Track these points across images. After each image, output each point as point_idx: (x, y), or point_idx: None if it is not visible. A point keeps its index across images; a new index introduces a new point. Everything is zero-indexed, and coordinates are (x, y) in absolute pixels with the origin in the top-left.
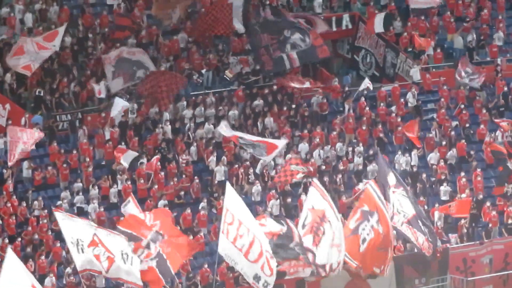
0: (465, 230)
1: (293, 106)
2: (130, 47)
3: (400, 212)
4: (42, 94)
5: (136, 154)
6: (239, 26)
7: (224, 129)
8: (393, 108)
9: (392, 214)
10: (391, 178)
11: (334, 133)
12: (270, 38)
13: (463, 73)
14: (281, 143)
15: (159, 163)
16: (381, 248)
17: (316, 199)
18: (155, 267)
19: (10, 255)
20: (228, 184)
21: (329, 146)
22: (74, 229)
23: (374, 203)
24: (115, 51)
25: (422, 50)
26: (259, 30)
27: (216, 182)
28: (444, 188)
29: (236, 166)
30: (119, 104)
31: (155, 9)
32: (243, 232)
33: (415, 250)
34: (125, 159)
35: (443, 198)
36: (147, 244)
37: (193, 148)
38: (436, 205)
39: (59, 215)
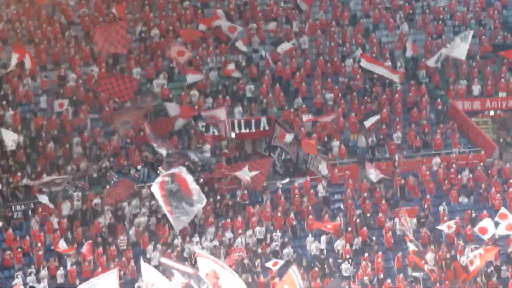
0: None
1: (218, 197)
2: None
3: None
4: None
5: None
6: None
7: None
8: (305, 199)
9: None
10: None
11: (254, 218)
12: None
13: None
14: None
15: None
16: None
17: (204, 265)
18: None
19: None
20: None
21: (251, 232)
22: None
23: (294, 286)
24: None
25: (311, 150)
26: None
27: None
28: (345, 266)
29: (169, 250)
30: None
31: (114, 121)
32: None
33: None
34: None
35: (345, 274)
36: None
37: (131, 232)
38: (343, 283)
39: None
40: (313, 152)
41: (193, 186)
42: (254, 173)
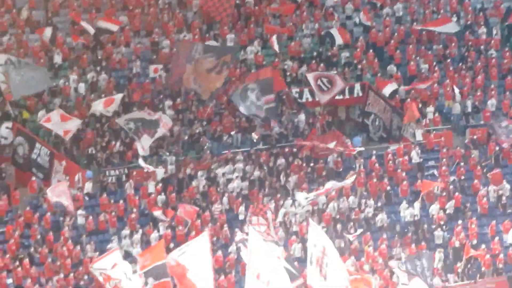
0: (460, 271)
1: (311, 164)
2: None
3: None
4: (93, 152)
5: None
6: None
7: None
8: (398, 164)
9: None
10: None
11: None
12: None
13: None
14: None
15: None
16: None
17: (315, 237)
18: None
19: None
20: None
21: (343, 199)
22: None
23: None
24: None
25: (415, 119)
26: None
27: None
28: (438, 233)
29: None
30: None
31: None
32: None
33: None
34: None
35: (437, 242)
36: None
37: (225, 199)
38: (437, 249)
39: None
40: (413, 118)
41: None
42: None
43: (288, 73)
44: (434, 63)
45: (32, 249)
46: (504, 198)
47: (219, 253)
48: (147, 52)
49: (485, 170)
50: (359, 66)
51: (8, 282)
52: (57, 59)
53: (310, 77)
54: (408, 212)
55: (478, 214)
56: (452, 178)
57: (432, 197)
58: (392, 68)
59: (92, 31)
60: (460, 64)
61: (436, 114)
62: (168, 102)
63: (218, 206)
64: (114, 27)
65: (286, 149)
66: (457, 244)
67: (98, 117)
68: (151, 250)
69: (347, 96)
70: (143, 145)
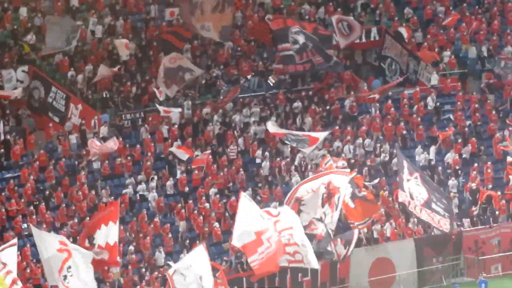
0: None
1: (327, 107)
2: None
3: (415, 198)
4: (109, 96)
5: (187, 156)
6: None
7: (271, 127)
8: (414, 109)
9: (408, 201)
10: (406, 169)
11: (363, 127)
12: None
13: None
14: (322, 135)
15: (210, 157)
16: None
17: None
18: None
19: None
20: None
21: (360, 141)
22: None
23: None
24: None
25: (434, 60)
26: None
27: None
28: (452, 182)
29: (278, 159)
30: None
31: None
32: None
33: (433, 233)
34: (180, 155)
35: (452, 191)
36: None
37: (240, 140)
38: (451, 194)
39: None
40: (429, 60)
41: None
42: None
43: (306, 17)
44: (451, 7)
45: (47, 193)
46: None
47: (233, 198)
48: None
49: (501, 115)
50: (377, 11)
51: (23, 227)
52: (74, 1)
53: (334, 19)
54: (423, 156)
55: (493, 159)
56: (468, 122)
57: (448, 143)
58: (408, 11)
59: None
60: (476, 7)
61: (452, 57)
62: (187, 46)
63: (234, 148)
64: None
65: (303, 93)
66: (473, 186)
67: (115, 59)
68: None
69: (363, 40)
70: (171, 94)
